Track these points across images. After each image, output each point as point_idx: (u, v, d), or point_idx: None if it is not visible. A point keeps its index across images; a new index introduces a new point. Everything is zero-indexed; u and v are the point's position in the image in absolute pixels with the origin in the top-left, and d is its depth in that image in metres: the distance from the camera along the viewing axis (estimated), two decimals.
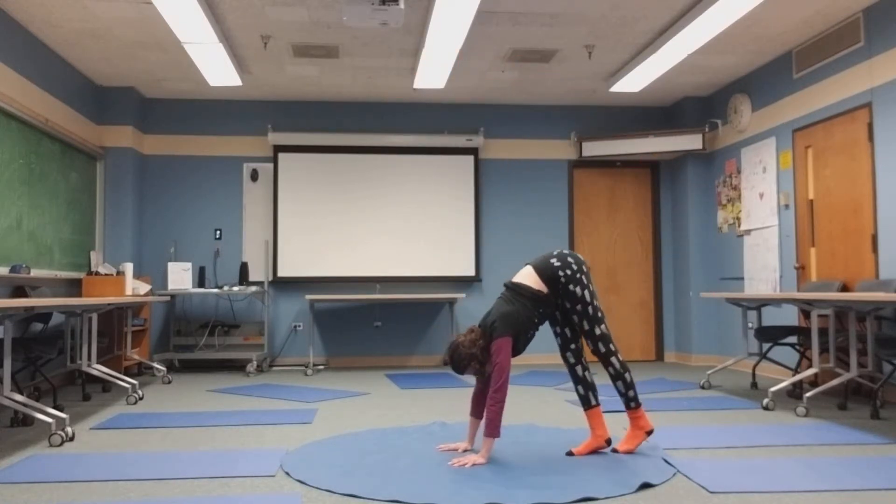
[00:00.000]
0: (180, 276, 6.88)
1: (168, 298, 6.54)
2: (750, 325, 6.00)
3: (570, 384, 5.74)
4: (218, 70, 6.28)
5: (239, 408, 4.78)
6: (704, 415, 4.42)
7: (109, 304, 5.05)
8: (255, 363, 6.74)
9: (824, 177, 5.73)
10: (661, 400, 5.00)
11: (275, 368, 7.27)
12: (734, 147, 7.07)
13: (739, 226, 6.94)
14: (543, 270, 3.32)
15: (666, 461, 3.17)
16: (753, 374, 5.78)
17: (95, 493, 2.76)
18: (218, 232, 7.53)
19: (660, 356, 7.90)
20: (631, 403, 3.37)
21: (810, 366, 4.79)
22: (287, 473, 3.02)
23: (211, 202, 7.54)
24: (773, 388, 4.69)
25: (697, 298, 7.46)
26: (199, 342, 7.26)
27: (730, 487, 2.75)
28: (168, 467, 3.14)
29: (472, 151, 7.74)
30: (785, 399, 5.00)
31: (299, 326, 7.51)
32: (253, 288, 7.04)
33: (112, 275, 6.14)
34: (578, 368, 3.41)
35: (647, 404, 4.64)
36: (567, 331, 3.41)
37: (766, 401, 4.62)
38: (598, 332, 3.33)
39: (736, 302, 5.65)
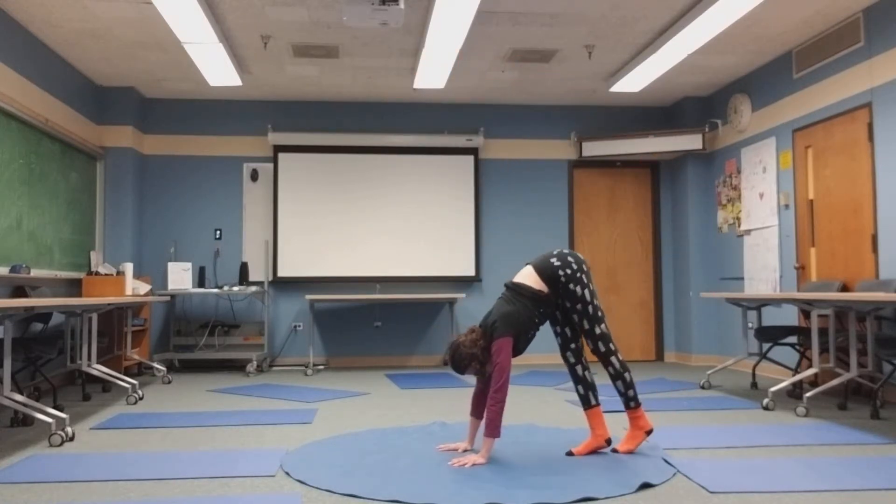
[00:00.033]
0: (180, 276, 6.88)
1: (168, 298, 6.54)
2: (750, 325, 6.00)
3: (570, 384, 5.74)
4: (218, 70, 6.28)
5: (239, 408, 4.78)
6: (704, 415, 4.42)
7: (109, 304, 5.05)
8: (255, 363, 6.74)
9: (824, 177, 5.73)
10: (661, 400, 5.00)
11: (275, 368, 7.27)
12: (734, 147, 7.07)
13: (739, 226, 6.94)
14: (543, 270, 3.32)
15: (666, 461, 3.17)
16: (753, 374, 5.78)
17: (95, 493, 2.76)
18: (218, 232, 7.53)
19: (660, 356, 7.90)
20: (630, 403, 3.37)
21: (810, 366, 4.79)
22: (287, 473, 3.02)
23: (211, 202, 7.54)
24: (773, 388, 4.69)
25: (697, 298, 7.46)
26: (199, 342, 7.26)
27: (730, 487, 2.75)
28: (168, 467, 3.14)
29: (472, 151, 7.74)
30: (785, 399, 5.00)
31: (299, 326, 7.51)
32: (253, 288, 7.04)
33: (112, 275, 6.14)
34: (578, 368, 3.41)
35: (647, 404, 4.64)
36: (567, 330, 3.41)
37: (766, 401, 4.62)
38: (598, 331, 3.33)
39: (736, 302, 5.65)
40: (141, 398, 5.18)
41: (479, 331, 3.25)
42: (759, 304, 5.67)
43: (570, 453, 3.33)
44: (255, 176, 7.60)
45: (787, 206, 6.19)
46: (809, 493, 2.68)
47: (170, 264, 6.93)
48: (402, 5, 4.56)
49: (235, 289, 6.91)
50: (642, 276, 7.98)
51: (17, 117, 5.40)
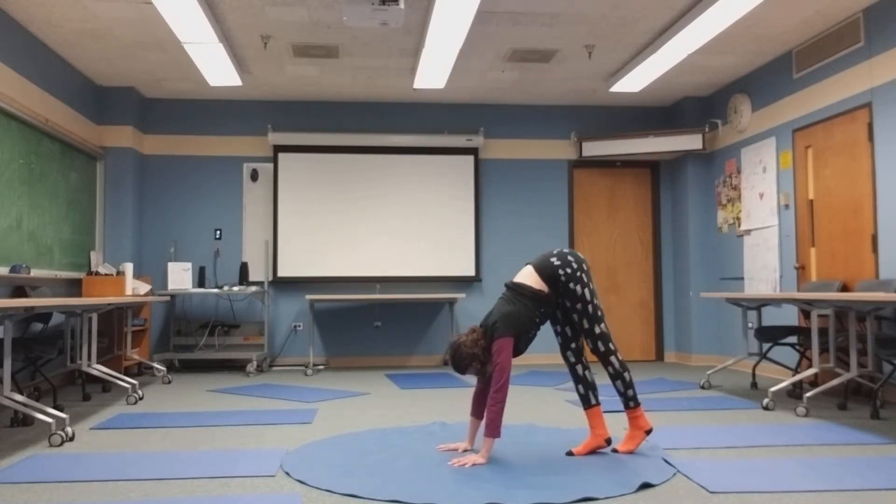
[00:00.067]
0: (180, 276, 6.88)
1: (168, 298, 6.54)
2: (750, 325, 6.00)
3: (570, 384, 5.74)
4: (218, 70, 6.28)
5: (239, 408, 4.78)
6: (704, 415, 4.42)
7: (109, 304, 5.05)
8: (255, 363, 6.74)
9: (824, 177, 5.73)
10: (661, 400, 5.00)
11: (275, 368, 7.27)
12: (734, 147, 7.07)
13: (739, 226, 6.94)
14: (543, 270, 3.32)
15: (666, 461, 3.17)
16: (753, 374, 5.78)
17: (95, 493, 2.76)
18: (218, 232, 7.53)
19: (660, 356, 7.90)
20: (630, 403, 3.37)
21: (810, 366, 4.79)
22: (287, 473, 3.02)
23: (211, 202, 7.54)
24: (773, 388, 4.69)
25: (697, 298, 7.46)
26: (199, 342, 7.26)
27: (730, 487, 2.75)
28: (168, 467, 3.14)
29: (472, 151, 7.74)
30: (785, 399, 5.00)
31: (299, 326, 7.51)
32: (253, 288, 7.04)
33: (112, 275, 6.14)
34: (579, 367, 3.41)
35: (647, 404, 4.64)
36: (568, 330, 3.41)
37: (766, 401, 4.62)
38: (597, 330, 3.33)
39: (736, 302, 5.65)
40: (141, 398, 5.18)
41: (479, 331, 3.25)
42: (759, 304, 5.67)
43: (570, 453, 3.33)
44: (255, 176, 7.60)
45: (787, 206, 6.19)
46: (809, 493, 2.68)
47: (170, 264, 6.93)
48: (402, 5, 4.56)
49: (235, 289, 6.91)
50: (642, 276, 7.98)
51: (17, 117, 5.40)
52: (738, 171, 6.98)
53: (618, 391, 3.38)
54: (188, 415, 4.50)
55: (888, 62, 5.00)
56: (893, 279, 4.87)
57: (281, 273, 7.45)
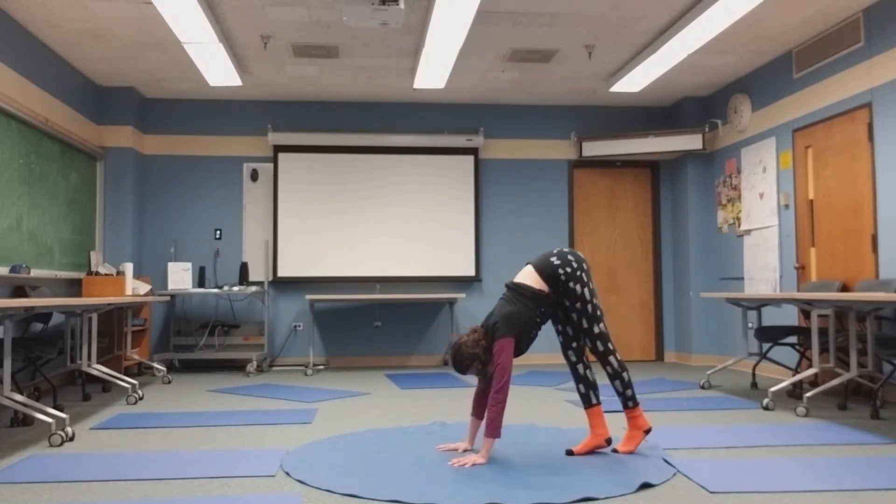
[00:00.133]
0: (180, 276, 6.88)
1: (168, 298, 6.54)
2: (750, 325, 6.00)
3: (571, 384, 5.74)
4: (218, 70, 6.28)
5: (239, 408, 4.78)
6: (704, 415, 4.42)
7: (109, 304, 5.05)
8: (255, 363, 6.74)
9: (824, 177, 5.73)
10: (661, 400, 5.00)
11: (275, 368, 7.27)
12: (734, 147, 7.07)
13: (739, 226, 6.94)
14: (544, 269, 3.32)
15: (666, 461, 3.17)
16: (753, 374, 5.78)
17: (95, 493, 2.76)
18: (218, 232, 7.53)
19: (660, 356, 7.90)
20: (629, 403, 3.37)
21: (810, 366, 4.79)
22: (287, 473, 3.02)
23: (211, 202, 7.54)
24: (773, 388, 4.69)
25: (697, 298, 7.46)
26: (199, 342, 7.26)
27: (730, 487, 2.75)
28: (168, 467, 3.14)
29: (472, 151, 7.74)
30: (785, 399, 5.00)
31: (299, 326, 7.51)
32: (253, 288, 7.04)
33: (112, 275, 6.14)
34: (580, 367, 3.42)
35: (647, 404, 4.64)
36: (569, 329, 3.41)
37: (766, 401, 4.62)
38: (596, 330, 3.33)
39: (736, 302, 5.65)
40: (141, 398, 5.18)
41: (480, 331, 3.25)
42: (759, 304, 5.67)
43: (569, 452, 3.33)
44: (255, 176, 7.60)
45: (787, 206, 6.19)
46: (809, 493, 2.68)
47: (170, 264, 6.93)
48: (402, 5, 4.56)
49: (235, 289, 6.91)
50: (642, 276, 7.98)
51: (17, 117, 5.40)
52: (738, 171, 6.98)
53: (616, 391, 3.38)
54: (188, 415, 4.50)
55: (888, 62, 5.00)
56: (893, 279, 4.87)
57: (281, 273, 7.45)
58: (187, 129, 7.55)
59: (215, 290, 6.89)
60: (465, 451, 3.36)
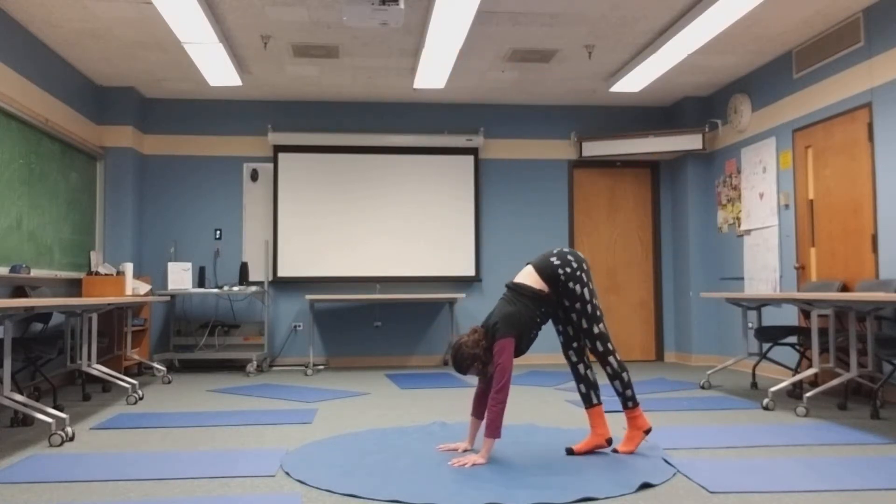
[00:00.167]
0: (180, 276, 6.88)
1: (168, 298, 6.54)
2: (750, 325, 6.00)
3: (571, 384, 5.75)
4: (218, 70, 6.28)
5: (239, 408, 4.78)
6: (704, 415, 4.42)
7: (109, 304, 5.05)
8: (255, 363, 6.74)
9: (824, 177, 5.73)
10: (661, 400, 5.00)
11: (275, 368, 7.27)
12: (734, 147, 7.07)
13: (739, 226, 6.94)
14: (543, 269, 3.33)
15: (666, 461, 3.17)
16: (753, 374, 5.78)
17: (95, 493, 2.76)
18: (218, 232, 7.53)
19: (660, 356, 7.90)
20: (628, 403, 3.37)
21: (810, 366, 4.79)
22: (287, 473, 3.02)
23: (211, 202, 7.54)
24: (773, 388, 4.69)
25: (697, 298, 7.46)
26: (199, 342, 7.26)
27: (730, 487, 2.75)
28: (168, 467, 3.14)
29: (472, 151, 7.74)
30: (785, 399, 5.00)
31: (299, 326, 7.51)
32: (253, 288, 7.04)
33: (112, 275, 6.14)
34: (580, 367, 3.42)
35: (647, 404, 4.64)
36: (569, 329, 3.41)
37: (766, 401, 4.62)
38: (596, 330, 3.33)
39: (736, 302, 5.65)
40: (141, 398, 5.18)
41: (481, 331, 3.25)
42: (759, 304, 5.67)
43: (569, 450, 3.33)
44: (255, 176, 7.60)
45: (787, 206, 6.19)
46: (809, 493, 2.68)
47: (170, 264, 6.93)
48: (402, 5, 4.56)
49: (235, 289, 6.91)
50: (642, 276, 7.98)
51: (17, 117, 5.40)
52: (738, 171, 6.98)
53: (616, 391, 3.38)
54: (188, 415, 4.50)
55: (888, 62, 5.00)
56: (893, 279, 4.87)
57: (281, 273, 7.45)
58: (187, 129, 7.55)
59: (215, 290, 6.90)
60: (465, 451, 3.36)
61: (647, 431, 3.39)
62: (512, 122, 7.87)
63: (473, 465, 3.09)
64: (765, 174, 6.53)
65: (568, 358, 3.44)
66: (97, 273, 6.17)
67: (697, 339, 7.45)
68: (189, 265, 6.94)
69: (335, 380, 6.32)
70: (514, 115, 7.88)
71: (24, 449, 3.54)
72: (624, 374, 3.36)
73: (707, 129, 7.36)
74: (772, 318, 6.20)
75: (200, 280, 7.13)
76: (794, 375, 5.25)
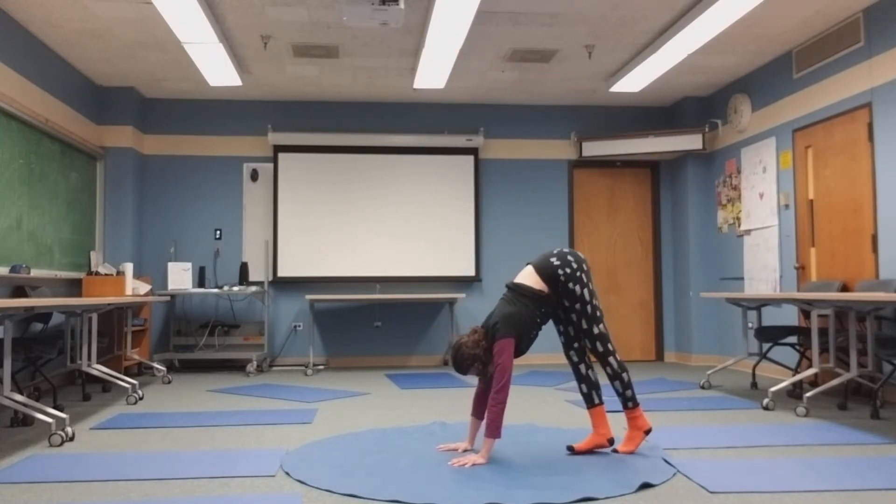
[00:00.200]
0: (180, 276, 6.88)
1: (168, 298, 6.54)
2: (750, 325, 6.00)
3: (571, 384, 5.75)
4: (218, 70, 6.28)
5: (239, 408, 4.78)
6: (704, 415, 4.42)
7: (109, 304, 5.05)
8: (255, 363, 6.74)
9: (824, 177, 5.73)
10: (661, 400, 5.00)
11: (275, 368, 7.27)
12: (734, 147, 7.07)
13: (739, 226, 6.94)
14: (543, 270, 3.33)
15: (666, 461, 3.17)
16: (753, 374, 5.78)
17: (95, 493, 2.76)
18: (218, 232, 7.53)
19: (660, 356, 7.90)
20: (628, 403, 3.37)
21: (810, 366, 4.79)
22: (287, 473, 3.02)
23: (211, 202, 7.54)
24: (773, 388, 4.69)
25: (697, 298, 7.46)
26: (199, 342, 7.26)
27: (730, 487, 2.75)
28: (168, 467, 3.14)
29: (472, 151, 7.74)
30: (785, 399, 5.00)
31: (299, 326, 7.51)
32: (253, 288, 7.04)
33: (112, 275, 6.14)
34: (582, 367, 3.42)
35: (647, 404, 4.64)
36: (570, 329, 3.41)
37: (766, 401, 4.62)
38: (596, 330, 3.33)
39: (736, 302, 5.65)
40: (141, 398, 5.18)
41: (481, 331, 3.25)
42: (759, 304, 5.67)
43: (570, 448, 3.34)
44: (255, 176, 7.60)
45: (787, 206, 6.19)
46: (809, 493, 2.68)
47: (170, 264, 6.93)
48: (402, 5, 4.56)
49: (235, 289, 6.91)
50: (642, 276, 7.98)
51: (17, 117, 5.40)
52: (738, 171, 6.98)
53: (616, 391, 3.38)
54: (188, 415, 4.50)
55: (888, 62, 5.00)
56: (893, 279, 4.87)
57: (281, 273, 7.45)
58: (187, 129, 7.56)
59: (215, 290, 6.90)
60: (465, 451, 3.36)
61: (648, 432, 3.39)
62: (512, 122, 7.87)
63: (473, 465, 3.09)
64: (765, 174, 6.53)
65: (569, 358, 3.44)
66: (97, 273, 6.17)
67: (697, 339, 7.45)
68: (189, 265, 6.94)
69: (335, 380, 6.32)
70: (514, 115, 7.88)
71: (24, 449, 3.54)
72: (624, 375, 3.36)
73: (707, 129, 7.36)
74: (772, 318, 6.20)
75: (200, 280, 7.13)
76: (794, 375, 5.25)
